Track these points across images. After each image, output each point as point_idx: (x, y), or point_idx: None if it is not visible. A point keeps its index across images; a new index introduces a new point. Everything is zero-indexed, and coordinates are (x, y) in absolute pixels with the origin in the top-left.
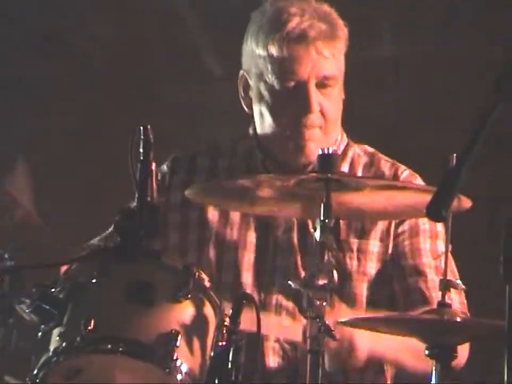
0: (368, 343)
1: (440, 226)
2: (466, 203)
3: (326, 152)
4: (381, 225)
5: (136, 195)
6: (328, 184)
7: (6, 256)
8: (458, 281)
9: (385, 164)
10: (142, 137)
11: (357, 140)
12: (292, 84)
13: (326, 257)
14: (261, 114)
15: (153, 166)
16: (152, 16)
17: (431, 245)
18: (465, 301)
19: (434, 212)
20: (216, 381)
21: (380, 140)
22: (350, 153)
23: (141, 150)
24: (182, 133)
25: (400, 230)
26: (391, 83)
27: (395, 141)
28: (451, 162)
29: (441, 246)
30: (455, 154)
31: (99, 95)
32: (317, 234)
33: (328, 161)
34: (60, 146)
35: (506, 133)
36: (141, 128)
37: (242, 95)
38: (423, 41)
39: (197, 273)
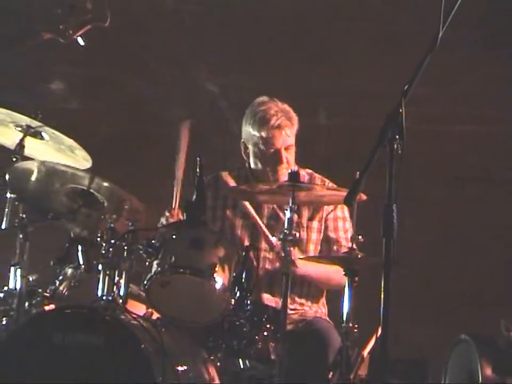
0: (302, 264)
1: (347, 213)
2: (364, 197)
3: (293, 171)
4: (318, 214)
5: (195, 192)
6: (295, 187)
7: (129, 224)
8: (360, 236)
9: (318, 179)
10: (199, 162)
11: (303, 166)
12: (272, 150)
13: (292, 226)
14: (256, 163)
15: (204, 178)
16: (202, 102)
17: (343, 225)
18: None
19: (348, 201)
20: (236, 289)
21: (318, 167)
22: None
23: (198, 170)
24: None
25: (328, 216)
26: (325, 139)
27: (328, 168)
28: (357, 176)
29: (348, 225)
30: (358, 172)
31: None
32: (287, 213)
33: (294, 175)
34: (156, 174)
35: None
36: (198, 157)
37: (243, 150)
38: (347, 114)
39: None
